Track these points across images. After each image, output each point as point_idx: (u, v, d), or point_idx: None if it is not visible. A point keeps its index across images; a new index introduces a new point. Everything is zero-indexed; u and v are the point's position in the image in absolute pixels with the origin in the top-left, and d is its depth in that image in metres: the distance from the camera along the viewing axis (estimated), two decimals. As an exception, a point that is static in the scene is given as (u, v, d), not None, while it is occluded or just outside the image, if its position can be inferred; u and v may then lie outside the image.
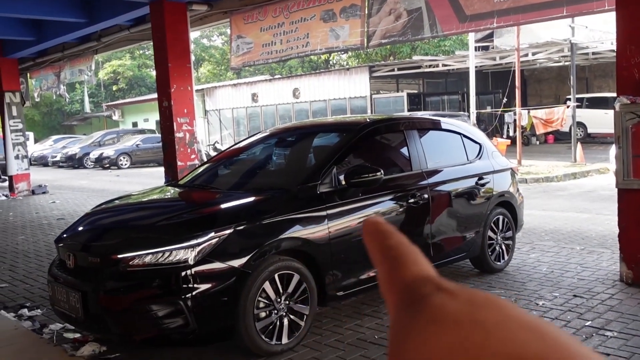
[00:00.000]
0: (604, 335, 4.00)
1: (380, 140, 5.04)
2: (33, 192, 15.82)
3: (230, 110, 27.50)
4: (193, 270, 3.51)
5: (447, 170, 5.26)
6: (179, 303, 3.47)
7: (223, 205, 4.01)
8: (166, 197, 4.64)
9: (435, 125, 5.49)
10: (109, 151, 26.56)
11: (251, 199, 4.10)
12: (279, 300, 3.87)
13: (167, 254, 3.52)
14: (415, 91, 25.64)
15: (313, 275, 4.11)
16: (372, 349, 3.92)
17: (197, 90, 30.36)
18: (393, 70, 21.56)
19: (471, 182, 5.42)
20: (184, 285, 3.49)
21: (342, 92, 22.68)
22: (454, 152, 5.56)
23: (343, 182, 4.28)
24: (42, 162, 29.82)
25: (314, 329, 4.32)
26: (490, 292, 0.33)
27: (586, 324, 4.22)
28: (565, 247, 6.81)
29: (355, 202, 4.35)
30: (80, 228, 4.18)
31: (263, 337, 3.78)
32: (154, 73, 41.14)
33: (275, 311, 3.86)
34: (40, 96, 17.47)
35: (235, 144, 5.53)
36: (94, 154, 26.90)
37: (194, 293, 3.49)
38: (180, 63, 10.04)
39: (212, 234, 3.61)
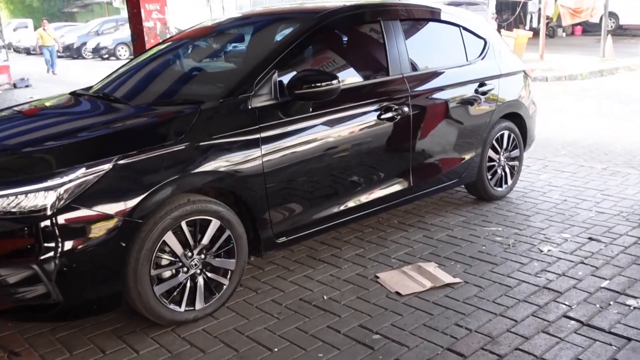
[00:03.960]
0: (624, 304, 2.99)
1: (346, 35, 3.81)
2: (14, 86, 14.77)
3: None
4: (52, 220, 2.50)
5: (438, 75, 4.08)
6: (31, 267, 2.50)
7: (108, 129, 2.91)
8: (51, 113, 3.50)
9: (425, 15, 4.22)
10: (106, 41, 25.15)
11: (151, 118, 3.01)
12: (189, 254, 2.89)
13: (14, 198, 2.50)
14: (434, -24, 23.41)
15: (243, 218, 3.11)
16: (313, 317, 2.97)
17: (198, -26, 28.20)
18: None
19: (469, 90, 4.24)
20: (40, 243, 2.50)
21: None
22: (449, 50, 4.33)
23: (287, 94, 3.16)
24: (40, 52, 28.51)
25: (250, 282, 3.40)
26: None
27: (602, 285, 3.20)
28: (584, 165, 5.69)
29: (303, 120, 3.24)
30: None
31: (166, 303, 2.84)
32: (154, -45, 38.51)
33: (185, 269, 2.89)
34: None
35: (170, 37, 4.33)
36: (91, 44, 25.53)
37: (52, 253, 2.50)
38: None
39: (82, 171, 2.57)
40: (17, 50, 31.41)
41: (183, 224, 2.83)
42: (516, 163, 4.80)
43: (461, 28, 4.38)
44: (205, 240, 2.94)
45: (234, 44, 4.00)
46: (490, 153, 4.53)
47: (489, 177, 4.57)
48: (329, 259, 3.68)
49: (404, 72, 3.81)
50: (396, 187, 3.81)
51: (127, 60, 4.13)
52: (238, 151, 2.98)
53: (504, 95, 4.53)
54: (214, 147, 2.90)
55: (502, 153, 4.63)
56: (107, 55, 24.65)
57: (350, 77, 3.62)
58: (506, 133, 4.63)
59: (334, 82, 3.17)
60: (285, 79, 3.17)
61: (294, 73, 3.22)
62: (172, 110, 3.03)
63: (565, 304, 3.00)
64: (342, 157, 3.44)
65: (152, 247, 2.73)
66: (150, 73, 3.79)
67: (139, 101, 3.34)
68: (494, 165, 4.60)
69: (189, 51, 3.99)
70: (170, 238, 2.80)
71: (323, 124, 3.33)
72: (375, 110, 3.58)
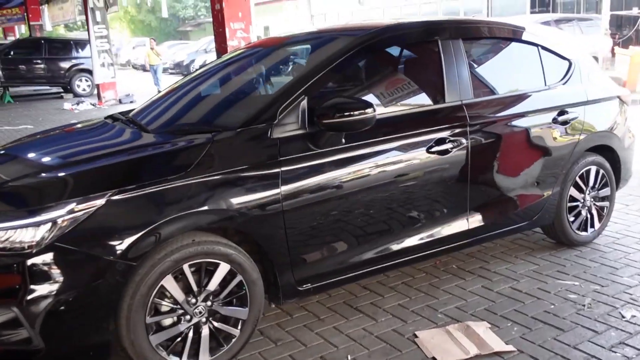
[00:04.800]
0: None
1: (393, 58, 3.39)
2: (120, 102, 15.47)
3: (335, 14, 25.66)
4: (35, 260, 2.30)
5: (506, 102, 3.55)
6: (11, 309, 2.30)
7: (108, 160, 2.67)
8: (65, 141, 3.30)
9: (494, 33, 3.70)
10: (213, 58, 26.00)
11: (158, 149, 2.75)
12: (192, 301, 2.59)
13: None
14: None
15: (260, 261, 2.78)
16: (330, 382, 2.57)
17: (303, -7, 28.77)
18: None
19: (545, 119, 3.66)
20: (19, 284, 2.30)
21: (456, -8, 19.96)
22: (523, 73, 3.79)
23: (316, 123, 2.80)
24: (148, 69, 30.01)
25: (272, 330, 3.05)
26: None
27: (697, 371, 2.55)
28: (697, 206, 4.85)
29: (333, 153, 2.86)
30: None
31: (164, 354, 2.55)
32: (264, -25, 39.60)
33: (187, 317, 2.59)
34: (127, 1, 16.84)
35: (217, 59, 4.11)
36: (199, 61, 26.49)
37: (33, 295, 2.29)
38: (233, -43, 8.60)
39: (73, 206, 2.35)
40: (135, 67, 33.30)
41: (185, 267, 2.54)
42: (606, 204, 4.12)
43: (540, 47, 3.81)
44: (212, 286, 2.63)
45: (271, 66, 3.69)
46: (573, 192, 3.91)
47: (571, 219, 3.94)
48: (367, 308, 3.25)
49: (464, 98, 3.33)
50: (449, 230, 3.32)
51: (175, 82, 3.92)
52: (252, 187, 2.65)
53: (591, 125, 3.90)
54: (224, 182, 2.59)
55: (587, 192, 3.98)
56: (213, 72, 25.44)
57: (395, 105, 3.21)
58: (593, 169, 3.98)
59: (369, 110, 2.77)
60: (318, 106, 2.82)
61: (327, 100, 2.86)
62: (183, 140, 2.76)
63: (643, 394, 2.40)
64: (380, 195, 3.02)
65: (147, 292, 2.46)
66: (184, 97, 3.56)
67: (160, 129, 3.10)
68: (577, 206, 3.96)
69: (228, 74, 3.72)
70: (169, 282, 2.52)
71: (357, 157, 2.93)
72: (424, 142, 3.13)
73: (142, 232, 2.41)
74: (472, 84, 3.38)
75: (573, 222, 3.96)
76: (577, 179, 3.91)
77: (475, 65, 3.55)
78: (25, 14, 24.41)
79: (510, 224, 3.63)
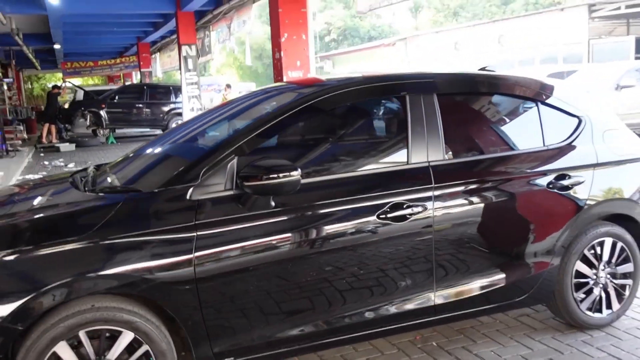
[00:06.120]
0: None
1: (350, 115, 3.14)
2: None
3: (433, 59, 25.42)
4: None
5: (486, 163, 3.19)
6: None
7: (14, 219, 2.64)
8: (18, 197, 3.28)
9: (481, 87, 3.35)
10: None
11: (67, 208, 2.68)
12: (90, 370, 2.46)
13: None
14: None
15: (175, 331, 2.62)
16: None
17: (399, 40, 28.86)
18: (619, 8, 17.35)
19: (538, 183, 3.23)
20: None
21: (555, 37, 19.07)
22: (514, 132, 3.40)
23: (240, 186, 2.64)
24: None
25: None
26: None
27: None
28: None
29: (259, 218, 2.65)
30: None
31: None
32: (365, 23, 40.40)
33: (85, 387, 2.46)
34: (220, 49, 17.66)
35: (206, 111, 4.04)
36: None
37: None
38: (293, 8, 8.78)
39: (-39, 266, 2.32)
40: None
41: (81, 334, 2.43)
42: (629, 282, 3.55)
43: (539, 103, 3.41)
44: (112, 356, 2.49)
45: (223, 124, 3.54)
46: (581, 266, 3.40)
47: (579, 297, 3.42)
48: (312, 387, 2.97)
49: (432, 159, 3.01)
50: (409, 306, 2.97)
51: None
52: (160, 252, 2.50)
53: (603, 191, 3.40)
54: (128, 245, 2.47)
55: (601, 267, 3.45)
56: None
57: (343, 166, 2.97)
58: (609, 241, 3.45)
59: (294, 173, 2.57)
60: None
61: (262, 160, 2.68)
62: (98, 200, 2.68)
63: None
64: (311, 265, 2.75)
65: (38, 359, 2.37)
66: (146, 152, 3.50)
67: (98, 187, 3.02)
68: (587, 283, 3.44)
69: (189, 130, 3.59)
70: (63, 349, 2.40)
71: (287, 222, 2.70)
72: (374, 208, 2.84)
73: (32, 295, 2.33)
74: (445, 144, 3.07)
75: (582, 301, 3.43)
76: (586, 251, 3.40)
77: (455, 123, 3.21)
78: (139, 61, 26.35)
79: (492, 301, 3.20)
